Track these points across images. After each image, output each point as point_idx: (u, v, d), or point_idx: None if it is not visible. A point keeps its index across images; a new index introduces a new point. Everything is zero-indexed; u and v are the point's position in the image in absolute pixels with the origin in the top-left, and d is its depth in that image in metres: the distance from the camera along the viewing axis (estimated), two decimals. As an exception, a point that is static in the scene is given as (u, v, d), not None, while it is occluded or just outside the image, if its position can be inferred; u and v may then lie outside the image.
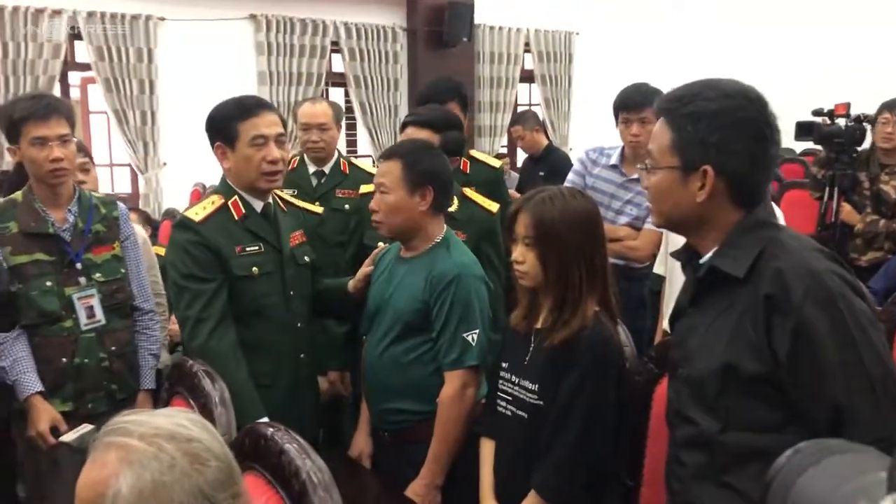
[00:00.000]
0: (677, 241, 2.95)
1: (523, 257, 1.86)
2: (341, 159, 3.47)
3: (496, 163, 3.25)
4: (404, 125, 2.68)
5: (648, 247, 3.23)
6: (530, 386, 1.84)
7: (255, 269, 2.24)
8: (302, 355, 2.33)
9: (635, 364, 1.98)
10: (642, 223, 3.26)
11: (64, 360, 2.34)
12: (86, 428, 2.26)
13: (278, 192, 2.48)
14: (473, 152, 3.24)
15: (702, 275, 1.49)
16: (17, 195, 2.40)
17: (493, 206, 2.71)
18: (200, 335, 2.17)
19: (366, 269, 2.41)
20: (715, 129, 1.42)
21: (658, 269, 3.64)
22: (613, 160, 3.37)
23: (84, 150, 2.99)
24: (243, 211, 2.27)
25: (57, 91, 6.20)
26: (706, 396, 1.46)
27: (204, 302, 2.17)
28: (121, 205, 2.61)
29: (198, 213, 2.24)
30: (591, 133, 8.51)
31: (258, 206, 2.32)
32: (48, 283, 2.33)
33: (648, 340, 3.22)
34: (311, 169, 3.39)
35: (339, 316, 2.71)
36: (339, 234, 3.16)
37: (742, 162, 1.43)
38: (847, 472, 0.71)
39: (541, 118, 7.19)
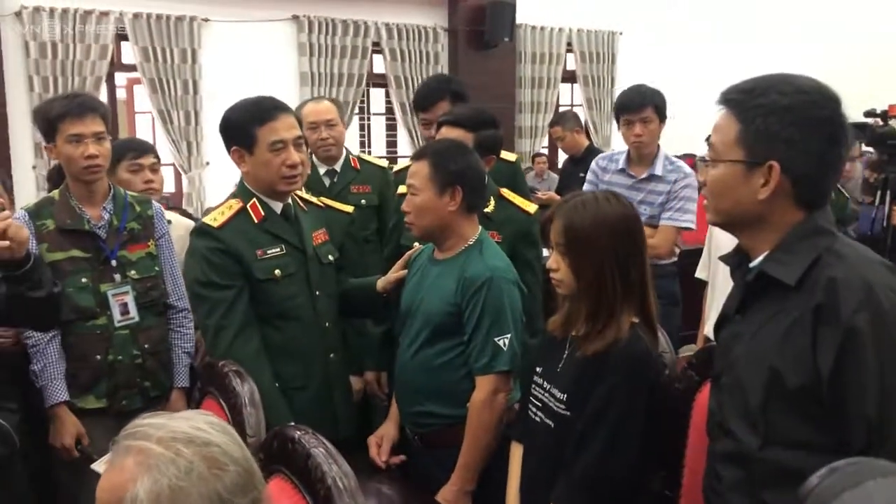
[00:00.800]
0: (722, 245, 2.89)
1: (557, 264, 1.81)
2: (350, 156, 3.45)
3: (511, 157, 3.19)
4: (438, 125, 2.64)
5: (666, 244, 3.33)
6: (559, 395, 1.79)
7: (277, 271, 2.21)
8: (332, 355, 2.30)
9: (675, 371, 1.91)
10: (657, 221, 3.33)
11: (98, 357, 2.36)
12: None
13: (299, 192, 2.45)
14: None
15: (751, 280, 1.42)
16: (54, 193, 2.42)
17: (531, 207, 2.64)
18: (222, 343, 2.15)
19: (398, 273, 2.38)
20: (787, 124, 1.35)
21: (700, 273, 3.56)
22: (621, 164, 3.47)
23: (153, 151, 3.02)
24: (262, 213, 2.24)
25: (103, 91, 6.32)
26: (749, 408, 1.39)
27: (224, 309, 2.14)
28: (156, 203, 2.62)
29: (216, 219, 2.21)
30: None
31: (277, 207, 2.28)
32: (83, 280, 2.35)
33: (680, 340, 3.17)
34: (322, 169, 3.38)
35: (366, 315, 2.68)
36: (361, 230, 3.15)
37: (811, 161, 1.36)
38: (892, 499, 0.65)
39: (583, 119, 7.10)
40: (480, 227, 2.25)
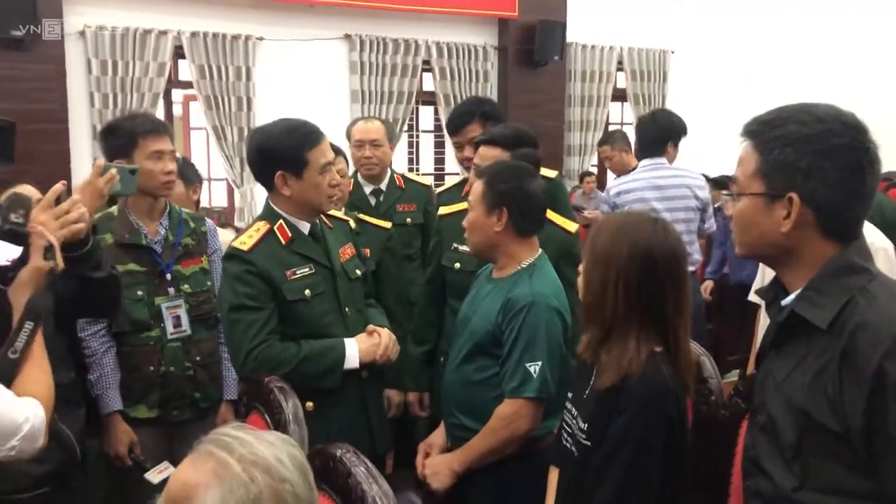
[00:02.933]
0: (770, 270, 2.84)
1: (580, 270, 1.81)
2: (395, 175, 3.48)
3: (551, 174, 3.16)
4: (476, 145, 2.66)
5: None
6: (581, 424, 1.76)
7: (307, 291, 2.24)
8: (364, 372, 2.31)
9: (721, 397, 1.88)
10: None
11: (151, 368, 2.42)
12: (171, 470, 2.29)
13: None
14: None
15: (783, 319, 1.38)
16: (114, 209, 2.50)
17: (572, 226, 2.64)
18: (248, 364, 2.17)
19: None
20: (804, 154, 1.31)
21: (753, 296, 3.50)
22: None
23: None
24: (290, 234, 2.27)
25: (160, 108, 6.49)
26: (783, 449, 1.34)
27: (255, 331, 2.17)
28: (209, 220, 2.69)
29: (244, 243, 2.24)
30: (684, 154, 8.33)
31: (305, 227, 2.31)
32: (139, 293, 2.41)
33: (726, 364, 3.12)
34: (368, 189, 3.41)
35: None
36: (405, 247, 3.18)
37: (833, 191, 1.32)
38: None
39: (632, 138, 7.05)
40: (540, 252, 2.25)
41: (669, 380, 1.67)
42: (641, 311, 1.69)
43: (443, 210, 2.80)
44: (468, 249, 2.49)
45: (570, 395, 1.88)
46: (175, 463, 2.37)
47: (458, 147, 2.90)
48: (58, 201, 1.88)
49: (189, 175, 3.19)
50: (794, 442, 1.32)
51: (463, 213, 2.68)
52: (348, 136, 3.54)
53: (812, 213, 1.33)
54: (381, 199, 3.39)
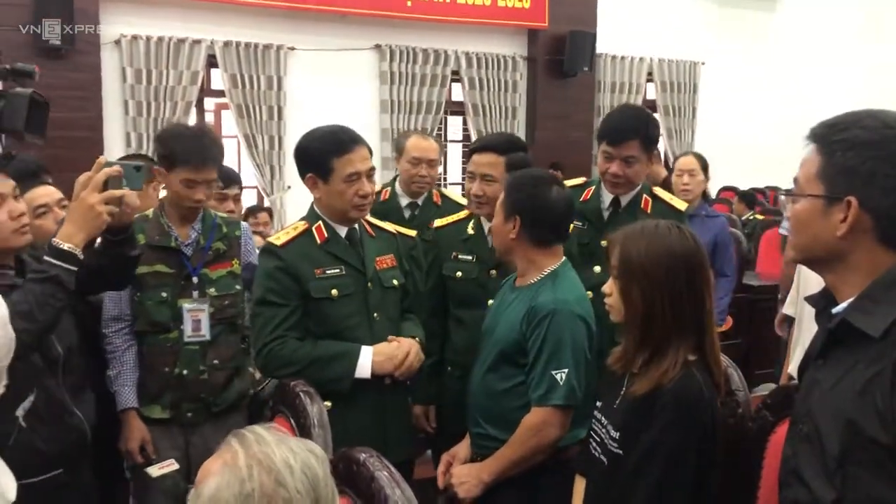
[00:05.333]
0: (811, 282, 2.80)
1: (611, 289, 1.78)
2: (433, 190, 3.47)
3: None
4: (470, 153, 2.68)
5: None
6: (613, 432, 1.74)
7: (334, 290, 2.26)
8: (387, 380, 2.31)
9: (748, 410, 1.86)
10: None
11: (166, 369, 2.45)
12: (172, 466, 2.34)
13: (369, 217, 2.49)
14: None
15: (833, 327, 1.35)
16: (149, 212, 2.54)
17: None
18: (261, 358, 2.25)
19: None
20: (867, 158, 1.29)
21: (787, 309, 3.45)
22: None
23: (239, 182, 3.27)
24: (326, 235, 2.30)
25: (193, 116, 6.58)
26: (825, 460, 1.31)
27: (275, 324, 2.22)
28: (244, 224, 2.72)
29: (280, 238, 2.30)
30: (715, 165, 8.26)
31: (342, 231, 2.35)
32: (163, 294, 2.44)
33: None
34: (405, 201, 3.40)
35: None
36: None
37: (893, 197, 1.29)
38: None
39: (662, 149, 7.02)
40: (563, 259, 2.25)
41: (705, 388, 1.66)
42: (682, 321, 1.69)
43: (438, 222, 2.82)
44: (469, 257, 2.59)
45: (598, 403, 1.87)
46: (189, 462, 2.41)
47: (607, 157, 2.67)
48: (105, 185, 1.97)
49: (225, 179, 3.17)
50: (838, 453, 1.28)
51: (459, 223, 2.71)
52: (399, 150, 3.51)
53: (870, 218, 1.31)
54: (416, 213, 3.39)
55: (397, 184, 3.49)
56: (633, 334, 1.73)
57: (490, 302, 2.49)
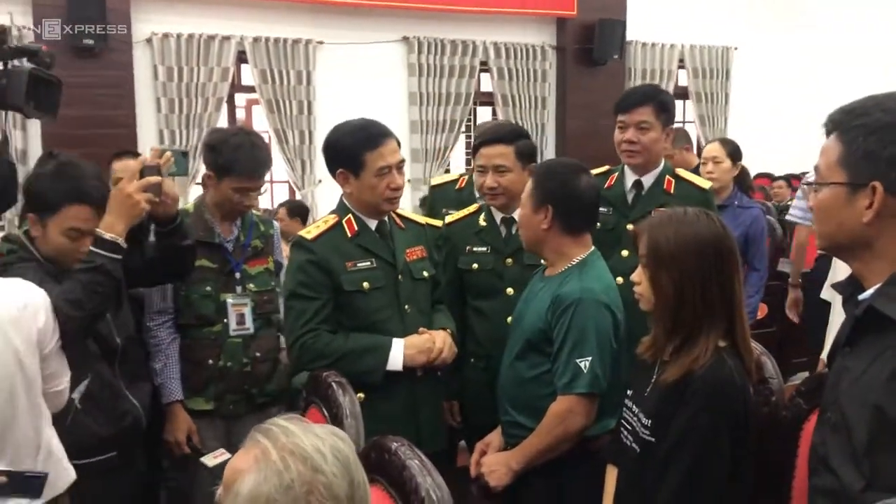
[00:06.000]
0: (841, 268, 2.76)
1: (640, 278, 1.78)
2: None
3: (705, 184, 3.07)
4: (475, 148, 2.67)
5: None
6: (644, 420, 1.74)
7: (365, 283, 2.28)
8: (419, 372, 2.33)
9: (782, 398, 1.84)
10: None
11: (210, 361, 2.49)
12: (225, 456, 2.37)
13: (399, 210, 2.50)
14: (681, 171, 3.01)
15: (860, 314, 1.34)
16: (189, 206, 2.59)
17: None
18: (294, 351, 2.28)
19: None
20: (889, 142, 1.28)
21: (825, 294, 3.41)
22: None
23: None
24: (356, 228, 2.33)
25: (224, 112, 6.66)
26: (853, 448, 1.31)
27: (307, 318, 2.24)
28: (276, 223, 2.77)
29: (311, 232, 2.32)
30: (749, 152, 8.15)
31: (372, 224, 2.36)
32: (207, 289, 2.49)
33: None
34: (479, 193, 3.39)
35: None
36: None
37: None
38: None
39: (695, 136, 6.94)
40: (592, 248, 2.25)
41: (736, 373, 1.66)
42: (713, 307, 1.68)
43: (449, 218, 2.82)
44: (483, 249, 2.60)
45: (629, 392, 1.87)
46: (232, 453, 2.45)
47: (621, 127, 2.78)
48: (142, 174, 2.06)
49: None
50: (866, 440, 1.27)
51: (470, 217, 2.71)
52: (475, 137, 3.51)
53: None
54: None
55: (475, 176, 3.47)
56: (663, 322, 1.74)
57: (509, 290, 2.51)
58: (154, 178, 2.07)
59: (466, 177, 3.39)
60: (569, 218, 2.20)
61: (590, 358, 2.07)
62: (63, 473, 1.87)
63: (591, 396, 2.09)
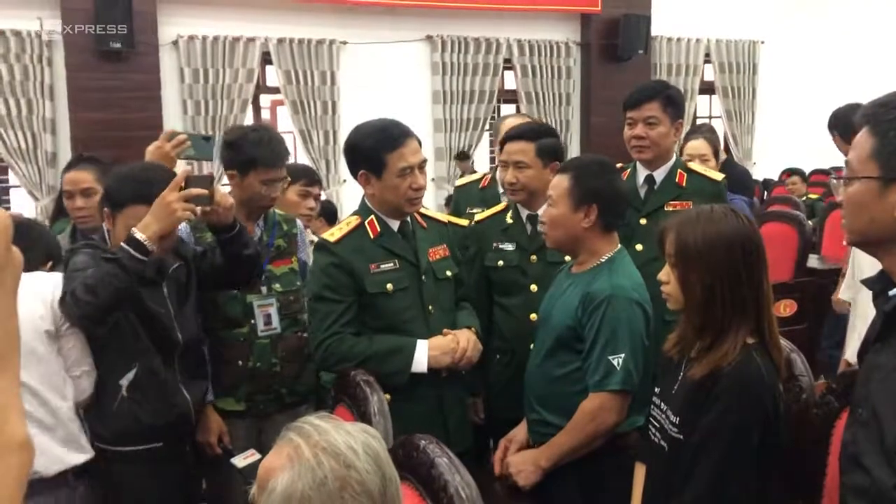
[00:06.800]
0: (863, 265, 2.73)
1: (668, 277, 1.77)
2: None
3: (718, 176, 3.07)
4: (501, 144, 2.69)
5: None
6: (672, 417, 1.74)
7: (389, 285, 2.27)
8: (444, 373, 2.33)
9: (812, 396, 1.83)
10: None
11: (240, 363, 2.51)
12: (255, 456, 2.39)
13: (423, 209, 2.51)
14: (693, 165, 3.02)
15: (890, 309, 1.33)
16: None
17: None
18: (319, 353, 2.28)
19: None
20: None
21: (843, 294, 3.37)
22: None
23: (320, 182, 3.35)
24: (379, 229, 2.32)
25: (249, 113, 6.72)
26: (885, 444, 1.30)
27: (332, 321, 2.24)
28: (299, 222, 2.78)
29: (333, 234, 2.32)
30: (776, 147, 8.09)
31: (395, 224, 2.36)
32: (234, 291, 2.51)
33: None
34: (503, 188, 3.39)
35: None
36: None
37: None
38: None
39: (722, 132, 6.89)
40: (619, 246, 2.26)
41: (765, 370, 1.65)
42: (742, 304, 1.68)
43: (479, 216, 2.82)
44: (509, 246, 2.59)
45: (657, 389, 1.87)
46: (263, 453, 2.47)
47: (630, 124, 2.81)
48: (186, 186, 2.09)
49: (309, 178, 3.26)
50: None
51: (498, 215, 2.71)
52: (496, 133, 3.52)
53: None
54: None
55: (498, 171, 3.47)
56: (692, 321, 1.73)
57: (532, 287, 2.51)
58: (198, 191, 2.09)
59: (490, 175, 3.39)
60: (611, 216, 2.21)
61: (622, 355, 2.07)
62: (68, 455, 2.07)
63: (623, 393, 2.09)
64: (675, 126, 2.77)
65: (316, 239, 3.45)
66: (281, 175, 2.54)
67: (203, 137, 2.26)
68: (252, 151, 2.48)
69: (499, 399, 2.66)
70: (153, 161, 2.33)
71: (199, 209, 2.13)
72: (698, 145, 4.00)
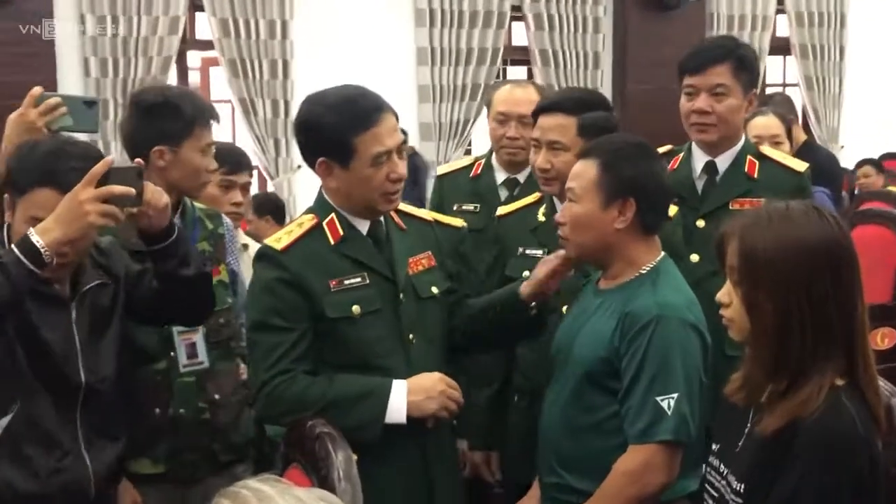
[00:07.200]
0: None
1: (729, 298, 1.77)
2: None
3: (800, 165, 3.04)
4: (534, 116, 2.68)
5: None
6: (735, 484, 1.73)
7: (356, 307, 2.25)
8: (429, 423, 2.29)
9: None
10: None
11: (157, 410, 2.50)
12: None
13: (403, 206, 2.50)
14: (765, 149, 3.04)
15: None
16: None
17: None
18: (260, 399, 2.25)
19: (547, 268, 2.35)
20: None
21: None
22: None
23: (250, 168, 3.40)
24: (342, 233, 2.29)
25: (173, 75, 6.72)
26: None
27: (278, 356, 2.20)
28: (226, 219, 2.77)
29: (280, 240, 2.28)
30: (869, 125, 8.13)
31: (363, 226, 2.33)
32: None
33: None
34: (501, 176, 3.39)
35: (508, 341, 2.63)
36: None
37: None
38: None
39: (799, 104, 6.92)
40: (663, 254, 2.26)
41: (859, 421, 1.64)
42: (828, 334, 1.67)
43: (503, 209, 2.82)
44: (538, 252, 2.56)
45: (715, 447, 1.87)
46: None
47: (690, 94, 2.80)
48: (105, 182, 2.01)
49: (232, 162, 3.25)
50: None
51: (528, 209, 2.70)
52: (488, 105, 3.53)
53: None
54: (517, 192, 3.37)
55: (494, 155, 3.47)
56: (762, 356, 1.73)
57: (565, 308, 2.50)
58: (122, 188, 2.01)
59: (483, 160, 3.39)
60: (653, 213, 2.21)
61: (675, 395, 2.07)
62: None
63: (675, 446, 2.09)
64: (747, 98, 2.77)
65: (251, 243, 3.46)
66: (213, 138, 2.55)
67: (85, 101, 2.21)
68: (190, 109, 2.48)
69: (517, 453, 2.65)
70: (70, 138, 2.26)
71: (122, 212, 2.04)
72: (768, 123, 4.01)
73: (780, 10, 8.34)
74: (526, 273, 2.54)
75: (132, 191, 2.04)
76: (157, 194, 2.14)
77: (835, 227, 1.71)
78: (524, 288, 2.37)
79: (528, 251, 2.65)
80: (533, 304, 2.35)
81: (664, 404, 2.07)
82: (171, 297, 2.25)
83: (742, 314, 1.74)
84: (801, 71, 8.40)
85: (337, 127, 2.23)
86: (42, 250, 1.97)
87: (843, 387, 1.67)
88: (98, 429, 2.25)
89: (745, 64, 2.77)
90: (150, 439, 2.50)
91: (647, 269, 2.22)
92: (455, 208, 3.11)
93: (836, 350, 1.68)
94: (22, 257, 1.97)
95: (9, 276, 1.96)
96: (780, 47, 8.49)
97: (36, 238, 1.97)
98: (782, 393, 1.69)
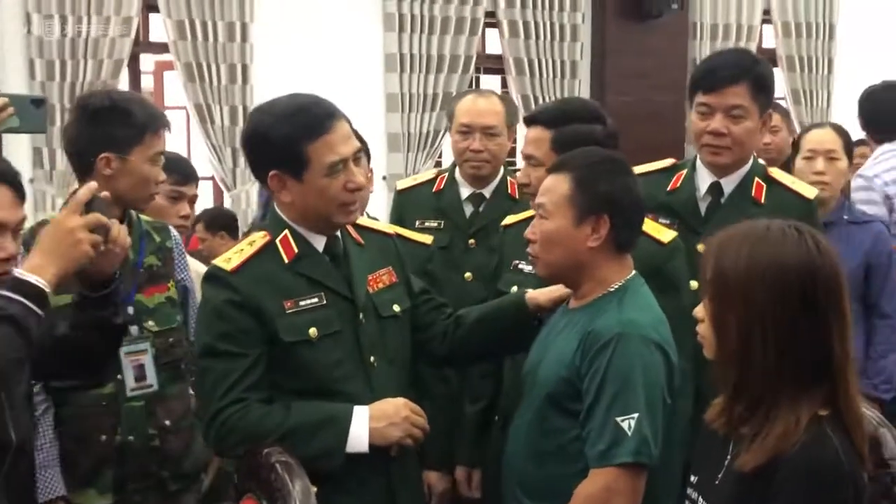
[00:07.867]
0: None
1: (703, 315, 1.79)
2: (508, 178, 3.44)
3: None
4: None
5: None
6: None
7: (312, 329, 2.26)
8: (393, 451, 2.31)
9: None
10: None
11: (103, 437, 2.48)
12: None
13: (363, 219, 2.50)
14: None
15: None
16: (52, 214, 2.58)
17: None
18: (213, 429, 2.22)
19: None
20: None
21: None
22: None
23: (197, 179, 3.43)
24: (296, 250, 2.30)
25: (125, 79, 6.69)
26: None
27: (231, 383, 2.20)
28: (174, 232, 2.75)
29: (230, 260, 2.29)
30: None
31: (319, 243, 2.35)
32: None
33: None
34: (465, 192, 3.40)
35: (508, 350, 2.64)
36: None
37: None
38: None
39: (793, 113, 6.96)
40: (634, 272, 2.28)
41: (843, 454, 1.65)
42: (800, 360, 1.68)
43: (509, 219, 2.83)
44: (530, 268, 2.57)
45: (693, 478, 1.88)
46: None
47: (704, 113, 2.76)
48: (89, 209, 1.95)
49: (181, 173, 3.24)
50: None
51: (527, 223, 2.71)
52: (450, 117, 3.53)
53: None
54: (482, 209, 3.38)
55: (458, 169, 3.46)
56: (725, 376, 1.74)
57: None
58: (106, 220, 1.97)
59: (447, 175, 3.39)
60: (627, 230, 2.23)
61: (635, 415, 2.08)
62: None
63: (637, 469, 2.10)
64: (762, 119, 2.77)
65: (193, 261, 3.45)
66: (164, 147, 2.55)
67: (32, 101, 2.19)
68: (140, 115, 2.47)
69: (494, 476, 2.66)
70: None
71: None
72: (824, 137, 3.92)
73: (766, 20, 8.40)
74: (515, 289, 2.56)
75: (107, 222, 1.98)
76: (123, 231, 2.08)
77: (814, 248, 1.71)
78: (536, 298, 2.41)
79: (521, 265, 2.66)
80: (538, 315, 2.40)
81: (624, 425, 2.08)
82: (84, 346, 2.14)
83: (711, 333, 1.76)
84: (788, 83, 8.47)
85: (288, 136, 2.23)
86: (45, 289, 1.87)
87: (827, 417, 1.68)
88: (19, 495, 2.10)
89: (762, 83, 2.76)
90: (96, 468, 2.49)
91: (615, 287, 2.24)
92: (417, 224, 3.12)
93: (809, 378, 1.69)
94: (31, 305, 1.84)
95: (23, 330, 1.82)
96: (766, 59, 8.55)
97: (35, 279, 1.86)
98: (751, 419, 1.70)
